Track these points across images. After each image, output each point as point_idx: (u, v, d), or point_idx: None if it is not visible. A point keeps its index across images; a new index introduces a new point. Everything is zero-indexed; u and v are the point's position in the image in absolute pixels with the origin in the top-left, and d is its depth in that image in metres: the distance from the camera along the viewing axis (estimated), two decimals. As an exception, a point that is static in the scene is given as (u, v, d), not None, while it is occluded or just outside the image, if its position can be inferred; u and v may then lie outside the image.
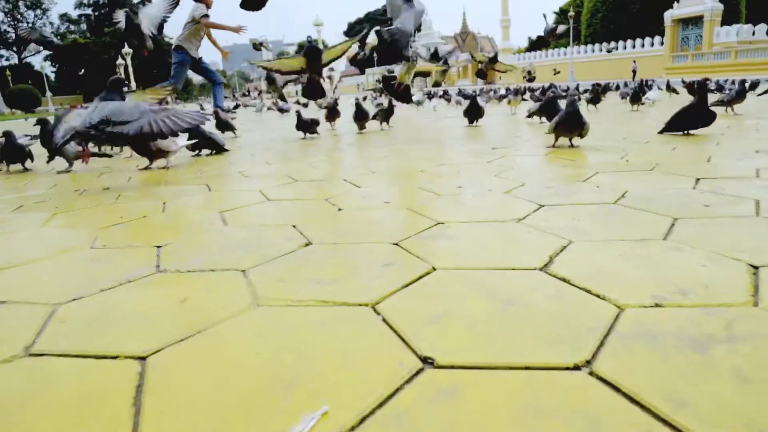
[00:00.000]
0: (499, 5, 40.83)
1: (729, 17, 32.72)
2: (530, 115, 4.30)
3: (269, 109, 9.58)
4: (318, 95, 4.10)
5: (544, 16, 6.66)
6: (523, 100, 10.38)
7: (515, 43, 37.09)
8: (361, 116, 4.18)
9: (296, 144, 3.64)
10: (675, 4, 31.39)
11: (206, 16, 5.17)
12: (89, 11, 73.61)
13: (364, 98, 11.50)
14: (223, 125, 4.38)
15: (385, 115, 4.41)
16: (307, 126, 3.94)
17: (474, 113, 4.30)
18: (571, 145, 2.67)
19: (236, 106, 13.75)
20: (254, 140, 4.30)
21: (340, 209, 1.52)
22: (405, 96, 4.39)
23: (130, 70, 44.54)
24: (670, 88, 8.26)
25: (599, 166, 2.00)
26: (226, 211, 1.59)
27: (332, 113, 4.56)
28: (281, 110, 8.80)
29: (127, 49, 43.45)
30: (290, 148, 3.41)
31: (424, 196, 1.64)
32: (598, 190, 1.59)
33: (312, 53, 3.89)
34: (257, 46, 8.02)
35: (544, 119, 4.02)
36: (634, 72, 28.81)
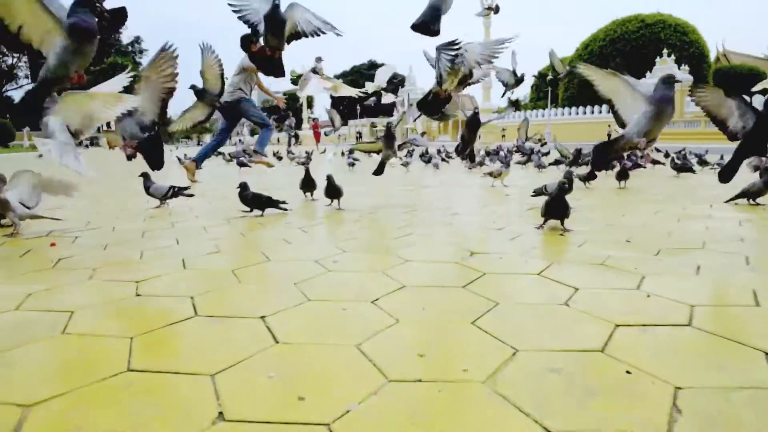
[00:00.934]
0: (479, 66, 41.87)
1: (698, 88, 34.07)
2: (536, 195, 3.54)
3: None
4: (275, 72, 3.68)
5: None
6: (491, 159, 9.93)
7: (495, 104, 38.01)
8: (332, 192, 3.60)
9: (238, 224, 3.06)
10: (648, 74, 32.70)
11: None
12: (77, 48, 74.27)
13: (342, 153, 11.05)
14: (163, 192, 3.75)
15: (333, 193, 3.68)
16: (249, 202, 3.35)
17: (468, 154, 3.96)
18: (563, 231, 2.16)
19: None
20: (198, 208, 3.70)
21: (219, 415, 0.93)
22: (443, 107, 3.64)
23: None
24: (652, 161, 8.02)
25: (615, 310, 1.46)
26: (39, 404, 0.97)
27: (307, 184, 3.97)
28: (241, 164, 8.18)
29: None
30: (226, 234, 2.83)
31: (361, 374, 1.06)
32: (630, 382, 1.03)
33: (272, 22, 3.39)
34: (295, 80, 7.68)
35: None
36: (609, 136, 29.48)
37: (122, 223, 3.18)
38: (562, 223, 2.64)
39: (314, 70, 5.10)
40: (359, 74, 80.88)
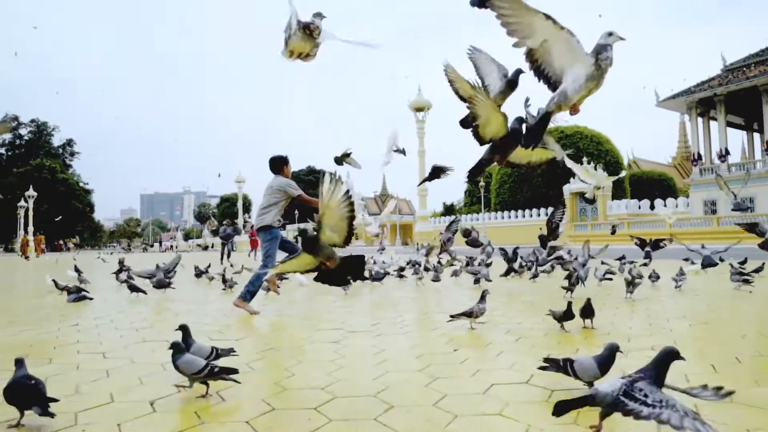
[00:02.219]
0: (416, 171, 43.32)
1: (617, 192, 36.66)
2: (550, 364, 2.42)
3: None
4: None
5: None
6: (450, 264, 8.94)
7: (431, 208, 38.83)
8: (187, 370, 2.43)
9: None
10: (572, 179, 34.75)
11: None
12: (2, 150, 70.57)
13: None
14: None
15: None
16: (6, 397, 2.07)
17: None
18: None
19: (120, 270, 10.87)
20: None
21: None
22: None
23: (30, 213, 41.48)
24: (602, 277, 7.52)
25: None
26: None
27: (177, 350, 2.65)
28: (133, 289, 6.83)
29: (31, 192, 40.49)
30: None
31: None
32: None
33: None
34: (340, 159, 6.90)
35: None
36: (540, 238, 30.27)
37: None
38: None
39: (306, 27, 2.91)
40: (298, 180, 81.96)
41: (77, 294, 6.31)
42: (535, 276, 8.27)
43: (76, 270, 12.27)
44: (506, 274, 8.75)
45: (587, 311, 4.09)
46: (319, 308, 5.69)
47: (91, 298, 6.54)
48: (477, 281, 7.74)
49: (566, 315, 3.92)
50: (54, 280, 6.96)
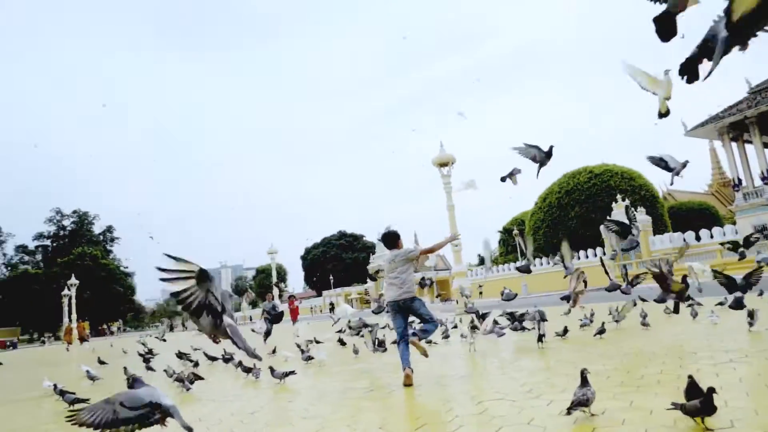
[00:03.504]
0: (447, 226, 42.49)
1: (658, 227, 34.93)
2: None
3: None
4: None
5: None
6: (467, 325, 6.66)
7: (466, 260, 37.84)
8: None
9: None
10: (607, 218, 33.20)
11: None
12: (48, 242, 73.50)
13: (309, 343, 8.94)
14: None
15: None
16: None
17: None
18: None
19: (145, 360, 9.89)
20: None
21: None
22: None
23: (73, 301, 42.48)
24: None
25: None
26: None
27: None
28: (75, 403, 5.87)
29: (73, 280, 41.64)
30: None
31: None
32: None
33: None
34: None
35: None
36: (585, 283, 28.85)
37: None
38: None
39: None
40: (330, 245, 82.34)
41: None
42: (601, 332, 7.41)
43: (100, 362, 11.79)
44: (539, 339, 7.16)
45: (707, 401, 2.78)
46: (346, 404, 4.95)
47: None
48: (540, 339, 7.03)
49: (705, 407, 2.76)
50: (54, 384, 6.44)
